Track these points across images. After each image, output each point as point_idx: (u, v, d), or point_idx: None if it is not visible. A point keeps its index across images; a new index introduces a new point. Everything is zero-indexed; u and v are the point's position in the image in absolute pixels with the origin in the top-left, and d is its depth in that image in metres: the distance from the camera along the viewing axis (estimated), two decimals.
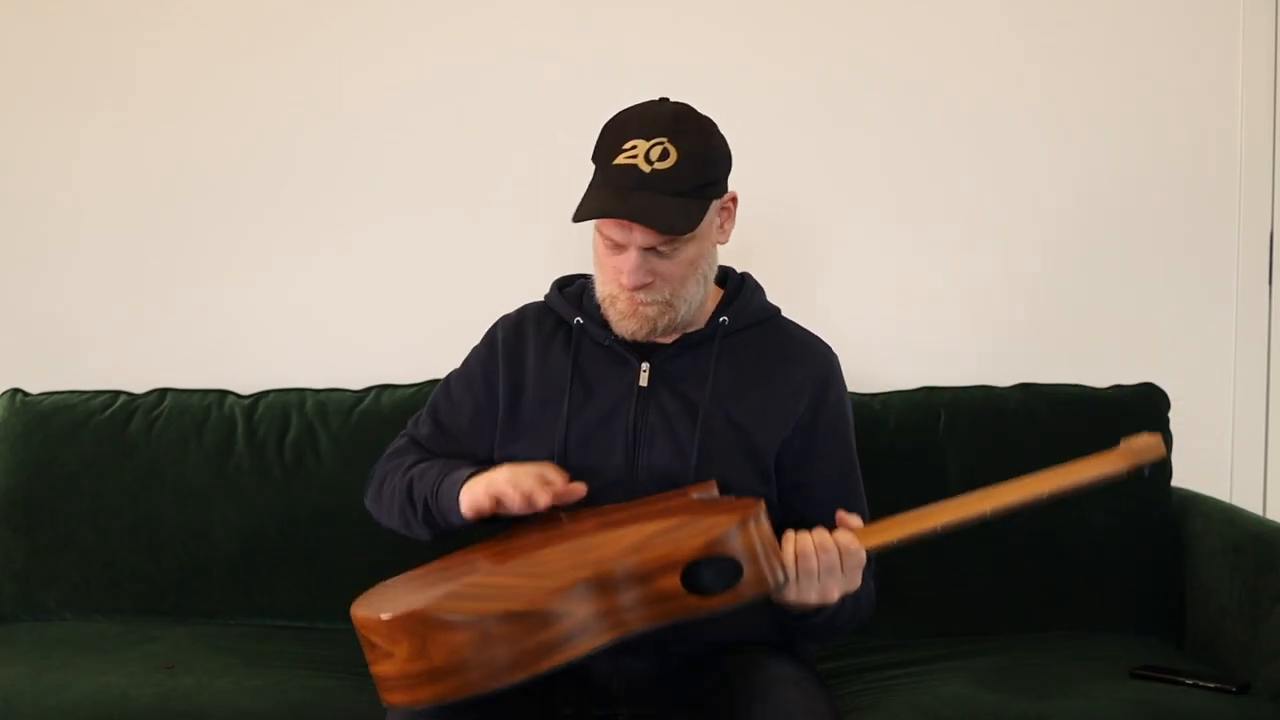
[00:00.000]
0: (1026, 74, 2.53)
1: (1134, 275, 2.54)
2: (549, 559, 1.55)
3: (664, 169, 1.68)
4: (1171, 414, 2.31)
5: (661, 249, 1.72)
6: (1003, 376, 2.39)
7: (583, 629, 1.46)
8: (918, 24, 2.54)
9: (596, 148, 1.75)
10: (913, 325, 2.56)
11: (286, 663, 2.05)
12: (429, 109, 2.59)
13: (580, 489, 1.68)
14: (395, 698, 1.48)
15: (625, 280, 1.73)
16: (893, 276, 2.56)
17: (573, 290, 1.91)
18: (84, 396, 2.45)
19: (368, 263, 2.60)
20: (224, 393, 2.46)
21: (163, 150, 2.61)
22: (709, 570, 1.48)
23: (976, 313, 2.56)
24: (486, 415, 1.89)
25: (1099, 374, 2.38)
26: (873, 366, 2.51)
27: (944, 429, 2.29)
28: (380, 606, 1.50)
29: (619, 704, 1.69)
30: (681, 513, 1.61)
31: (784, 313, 1.94)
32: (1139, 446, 1.67)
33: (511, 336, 1.91)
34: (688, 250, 1.74)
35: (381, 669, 1.48)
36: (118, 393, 2.46)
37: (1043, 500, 1.63)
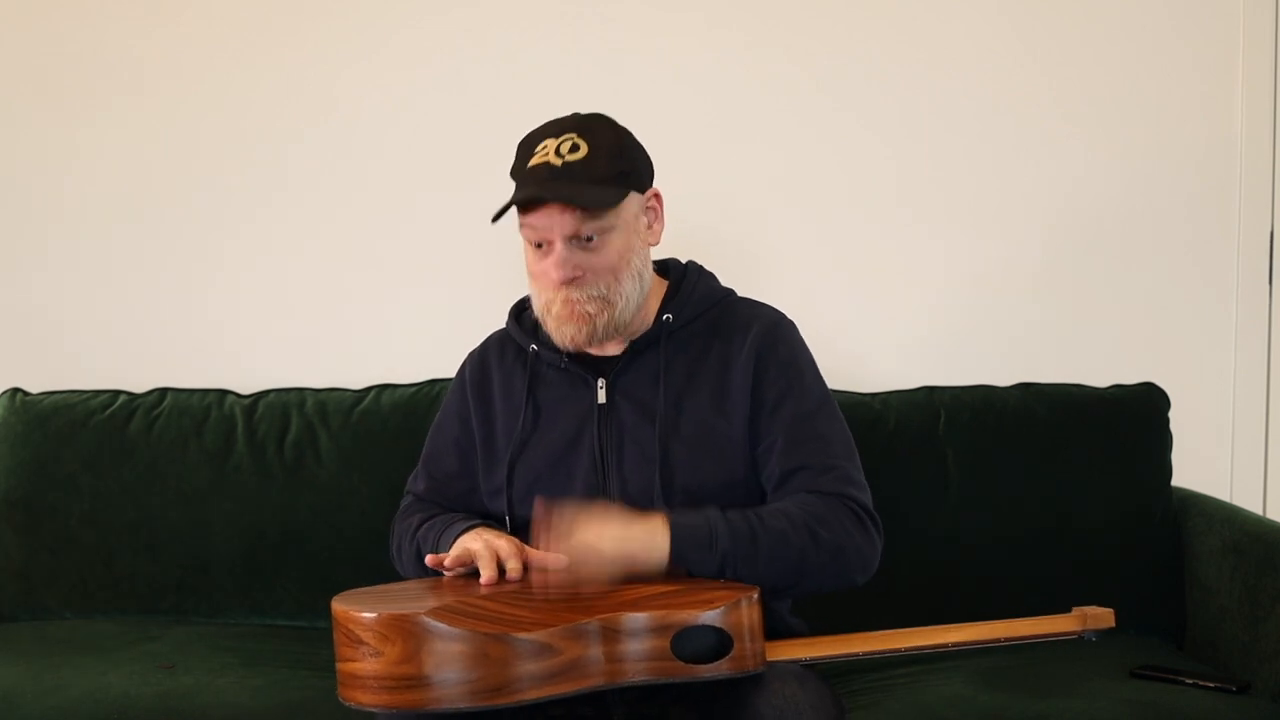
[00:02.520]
0: (1027, 73, 2.53)
1: (1134, 275, 2.54)
2: (542, 597, 1.56)
3: (575, 159, 1.71)
4: (1171, 414, 2.31)
5: (586, 239, 1.72)
6: (1003, 376, 2.39)
7: (571, 669, 1.47)
8: (919, 23, 2.54)
9: (513, 165, 1.78)
10: (913, 325, 2.56)
11: (286, 663, 2.05)
12: (427, 108, 2.59)
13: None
14: (363, 697, 1.48)
15: (554, 274, 1.73)
16: (893, 276, 2.56)
17: (529, 316, 1.90)
18: (84, 396, 2.45)
19: (368, 263, 2.60)
20: (224, 393, 2.46)
21: (162, 150, 2.62)
22: (699, 639, 1.51)
23: (976, 313, 2.56)
24: (469, 455, 1.92)
25: (1099, 374, 2.38)
26: (873, 366, 2.51)
27: (944, 429, 2.29)
28: (374, 605, 1.50)
29: (614, 703, 1.68)
30: (679, 581, 1.63)
31: (786, 311, 1.92)
32: (1091, 614, 1.73)
33: (477, 373, 1.94)
34: (613, 241, 1.74)
35: (361, 666, 1.47)
36: (118, 392, 2.46)
37: (987, 644, 1.70)
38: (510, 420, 1.87)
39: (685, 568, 1.64)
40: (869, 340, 2.54)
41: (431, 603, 1.50)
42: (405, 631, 1.44)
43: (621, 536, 1.61)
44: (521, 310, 1.94)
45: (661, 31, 2.55)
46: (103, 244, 2.63)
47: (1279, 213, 2.54)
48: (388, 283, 2.61)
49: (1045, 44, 2.53)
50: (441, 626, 1.44)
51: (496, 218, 1.74)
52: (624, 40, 2.56)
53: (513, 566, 1.63)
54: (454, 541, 1.74)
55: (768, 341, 1.82)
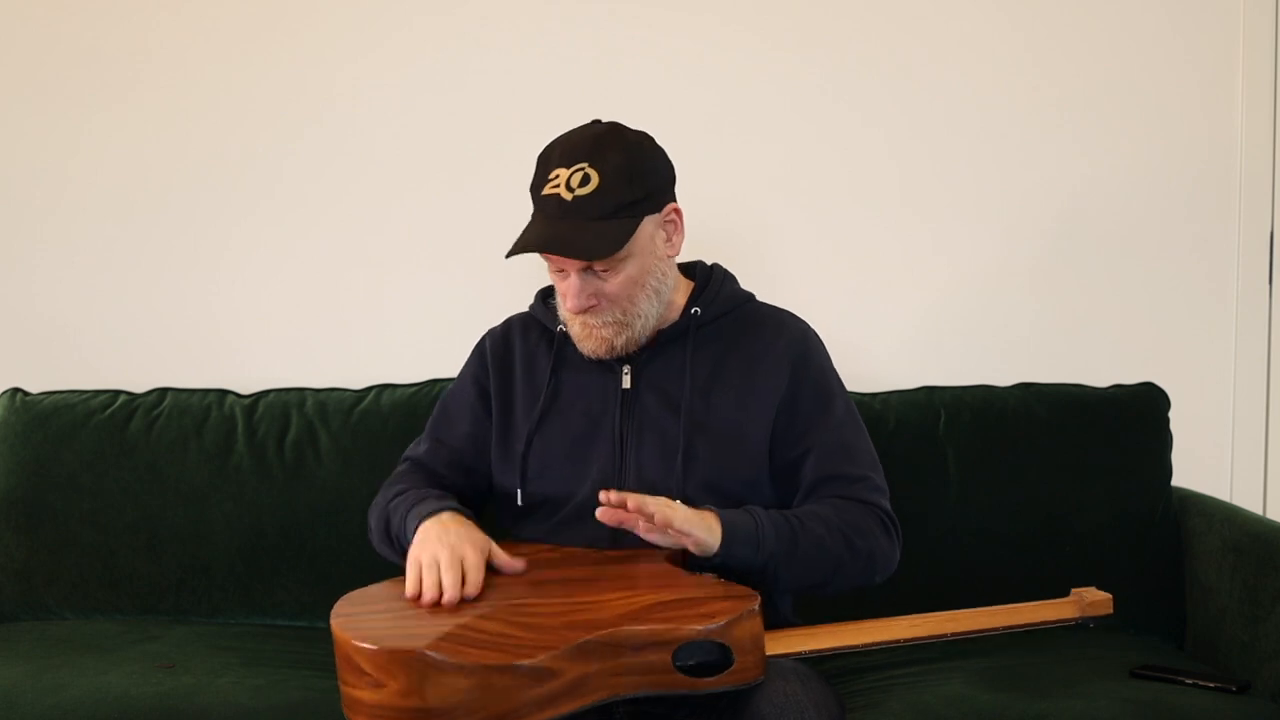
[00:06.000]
0: (1027, 74, 2.53)
1: (1134, 275, 2.54)
2: (540, 611, 1.56)
3: (585, 194, 1.72)
4: (1171, 414, 2.31)
5: (600, 271, 1.76)
6: (1003, 376, 2.39)
7: (574, 688, 1.47)
8: (920, 23, 2.54)
9: (532, 179, 1.80)
10: (913, 325, 2.56)
11: (286, 663, 2.05)
12: (426, 106, 2.59)
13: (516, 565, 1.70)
14: None
15: (569, 304, 1.79)
16: (893, 276, 2.56)
17: (556, 300, 1.92)
18: (84, 396, 2.45)
19: (368, 263, 2.60)
20: (224, 393, 2.46)
21: (162, 150, 2.62)
22: (700, 653, 1.52)
23: (976, 313, 2.56)
24: (484, 425, 1.94)
25: (1099, 374, 2.38)
26: (873, 366, 2.51)
27: (944, 429, 2.29)
28: (372, 633, 1.48)
29: (616, 702, 1.69)
30: (676, 587, 1.63)
31: (788, 310, 1.96)
32: (1090, 600, 1.76)
33: (499, 348, 1.97)
34: (628, 269, 1.77)
35: (364, 695, 1.45)
36: (118, 392, 2.46)
37: (986, 633, 1.74)
38: (530, 395, 1.90)
39: (730, 561, 1.66)
40: (869, 340, 2.54)
41: (432, 630, 1.49)
42: (408, 665, 1.43)
43: (688, 511, 1.64)
44: (549, 294, 1.97)
45: (659, 25, 2.55)
46: (103, 244, 2.63)
47: (1279, 213, 2.54)
48: (387, 282, 2.61)
49: (1046, 44, 2.53)
50: (444, 660, 1.42)
51: (509, 256, 1.75)
52: (621, 33, 2.55)
53: (472, 579, 1.61)
54: (416, 527, 1.72)
55: (800, 352, 1.88)
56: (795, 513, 1.75)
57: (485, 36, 2.57)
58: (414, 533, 1.71)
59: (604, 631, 1.49)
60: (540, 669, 1.44)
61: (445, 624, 1.52)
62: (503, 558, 1.69)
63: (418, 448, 1.98)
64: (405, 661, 1.43)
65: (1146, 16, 2.52)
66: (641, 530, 1.62)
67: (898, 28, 2.54)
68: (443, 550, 1.63)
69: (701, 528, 1.63)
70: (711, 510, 1.67)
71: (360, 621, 1.53)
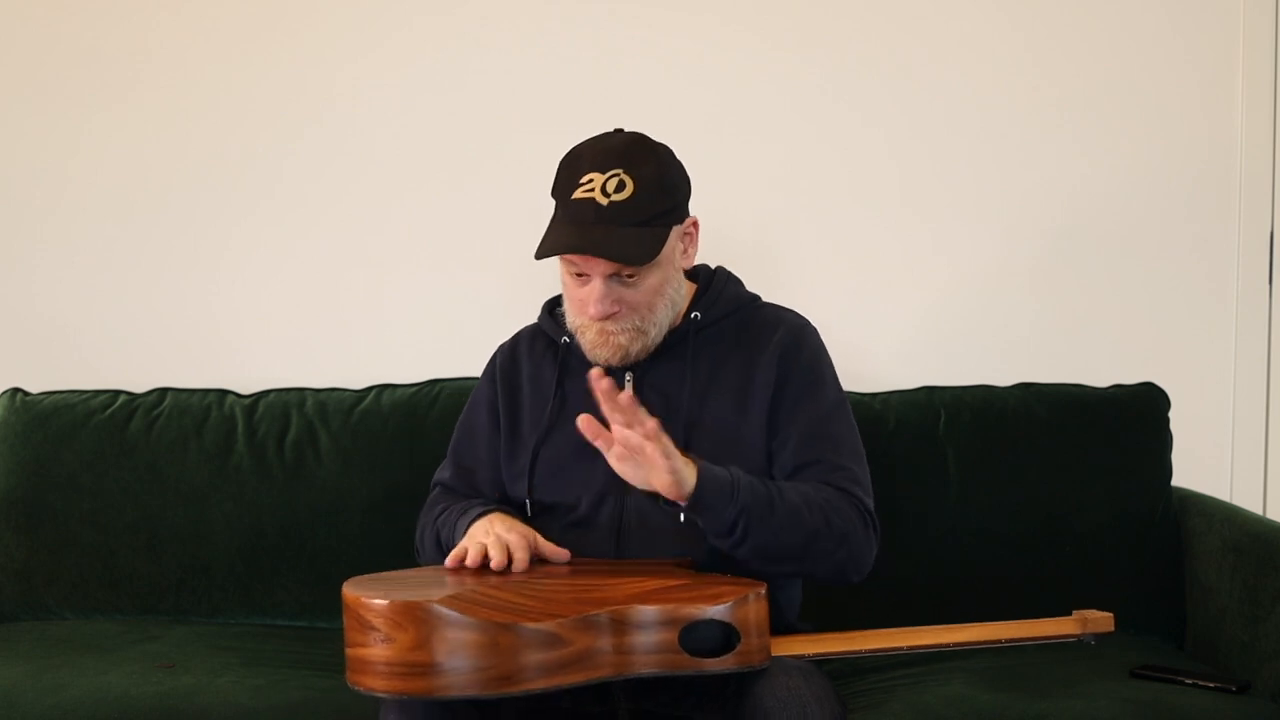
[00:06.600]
0: (1027, 74, 2.53)
1: (1134, 275, 2.54)
2: (551, 589, 1.58)
3: (621, 200, 1.73)
4: (1171, 414, 2.31)
5: (625, 278, 1.77)
6: (1003, 376, 2.39)
7: (579, 660, 1.49)
8: (921, 23, 2.54)
9: (555, 183, 1.80)
10: (913, 325, 2.56)
11: (286, 663, 2.05)
12: (426, 106, 2.59)
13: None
14: (372, 683, 1.49)
15: (592, 311, 1.78)
16: (893, 276, 2.56)
17: (563, 311, 1.93)
18: (84, 396, 2.45)
19: (368, 263, 2.60)
20: (224, 392, 2.46)
21: (162, 150, 2.62)
22: (706, 633, 1.53)
23: (976, 313, 2.56)
24: (495, 441, 1.95)
25: (1099, 374, 2.38)
26: (873, 366, 2.51)
27: (944, 429, 2.29)
28: (386, 592, 1.51)
29: (619, 698, 1.69)
30: (683, 575, 1.67)
31: (793, 310, 1.96)
32: (1091, 618, 1.78)
33: (507, 363, 1.98)
34: (651, 278, 1.79)
35: (371, 652, 1.48)
36: (118, 392, 2.46)
37: (988, 645, 1.76)
38: (537, 408, 1.91)
39: (701, 512, 1.66)
40: (869, 340, 2.54)
41: (443, 591, 1.52)
42: (417, 619, 1.46)
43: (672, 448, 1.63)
44: (555, 306, 1.97)
45: (659, 25, 2.55)
46: (103, 244, 2.63)
47: (1279, 213, 2.54)
48: (387, 282, 2.60)
49: (1046, 44, 2.53)
50: (453, 614, 1.45)
51: (540, 256, 1.75)
52: (623, 40, 2.55)
53: (519, 558, 1.66)
54: (466, 529, 1.76)
55: (793, 343, 1.87)
56: (775, 482, 1.75)
57: (485, 36, 2.58)
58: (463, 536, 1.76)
59: (612, 607, 1.51)
60: (547, 634, 1.47)
61: (458, 588, 1.55)
62: (549, 546, 1.72)
63: (443, 472, 2.01)
64: (415, 615, 1.46)
65: (1146, 16, 2.52)
66: (615, 452, 1.61)
67: (898, 28, 2.54)
68: (487, 537, 1.70)
69: (680, 460, 1.62)
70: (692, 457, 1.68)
71: (371, 586, 1.57)
